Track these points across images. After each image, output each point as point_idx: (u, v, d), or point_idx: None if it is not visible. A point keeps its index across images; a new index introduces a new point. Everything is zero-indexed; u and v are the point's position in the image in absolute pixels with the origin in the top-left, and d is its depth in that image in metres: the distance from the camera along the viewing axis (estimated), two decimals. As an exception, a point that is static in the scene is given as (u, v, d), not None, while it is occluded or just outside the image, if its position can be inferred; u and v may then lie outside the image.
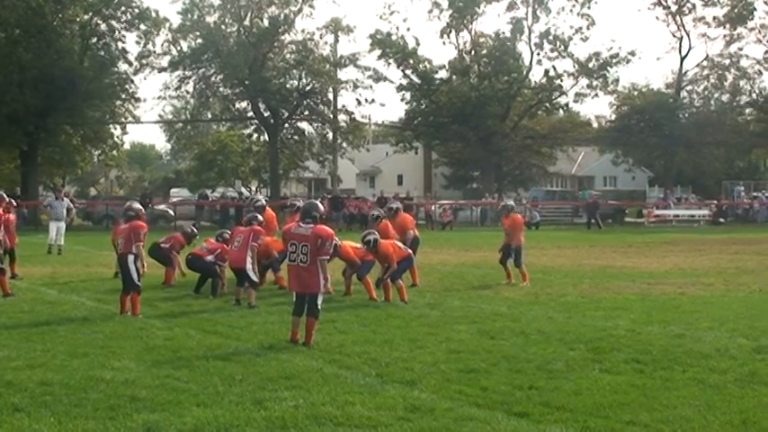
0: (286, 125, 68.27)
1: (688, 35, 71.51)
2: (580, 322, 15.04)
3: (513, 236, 22.07)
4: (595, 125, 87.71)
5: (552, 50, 69.67)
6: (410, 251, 18.81)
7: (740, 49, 71.87)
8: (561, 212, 68.54)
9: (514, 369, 11.11)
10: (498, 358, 11.77)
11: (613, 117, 79.16)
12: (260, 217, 19.31)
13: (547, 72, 70.52)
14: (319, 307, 12.89)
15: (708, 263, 27.92)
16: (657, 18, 74.16)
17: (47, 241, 31.81)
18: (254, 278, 17.43)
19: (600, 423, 8.76)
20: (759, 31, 70.00)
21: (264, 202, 22.83)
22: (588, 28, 68.88)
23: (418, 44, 70.33)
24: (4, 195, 21.73)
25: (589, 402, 9.45)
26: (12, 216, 23.12)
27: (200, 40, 64.44)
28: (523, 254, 22.13)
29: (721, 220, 60.67)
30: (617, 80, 72.28)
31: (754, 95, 74.50)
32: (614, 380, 10.52)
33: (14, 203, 25.38)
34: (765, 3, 69.25)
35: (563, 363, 11.49)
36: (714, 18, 70.05)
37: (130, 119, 69.53)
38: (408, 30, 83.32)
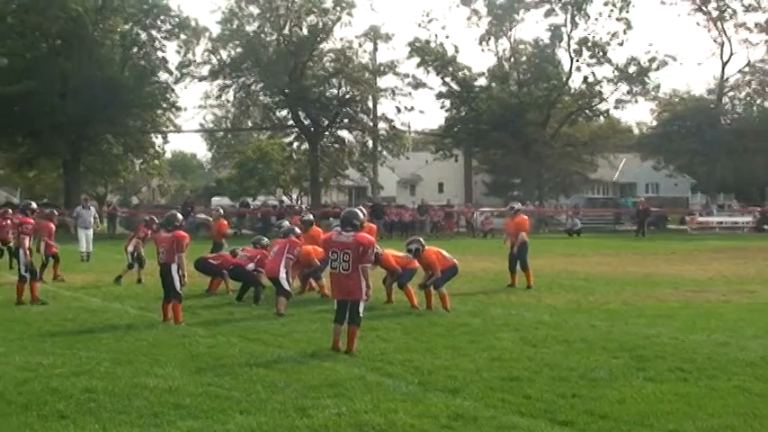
0: (326, 133, 68.44)
1: (729, 41, 71.15)
2: (623, 330, 14.95)
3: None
4: (636, 132, 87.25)
5: (591, 57, 69.25)
6: (455, 261, 18.69)
7: (782, 55, 71.29)
8: (603, 220, 68.18)
9: (557, 377, 11.06)
10: (541, 366, 11.73)
11: (654, 123, 78.74)
12: (297, 230, 19.47)
13: (586, 79, 70.19)
14: (361, 314, 12.88)
15: (752, 270, 27.67)
16: (698, 24, 73.95)
17: (78, 249, 32.30)
18: (287, 288, 17.50)
19: (644, 432, 8.72)
20: (801, 37, 69.41)
21: (312, 217, 23.08)
22: (625, 32, 68.40)
23: (457, 51, 70.33)
24: (35, 206, 21.99)
25: (633, 411, 9.39)
26: (52, 224, 23.83)
27: (239, 49, 64.71)
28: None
29: (765, 227, 60.03)
30: (658, 86, 71.83)
31: (796, 102, 73.96)
32: (658, 388, 10.45)
33: (55, 212, 25.90)
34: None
35: (606, 371, 11.42)
36: (756, 24, 69.60)
37: (171, 128, 70.07)
38: (447, 37, 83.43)
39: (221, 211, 31.30)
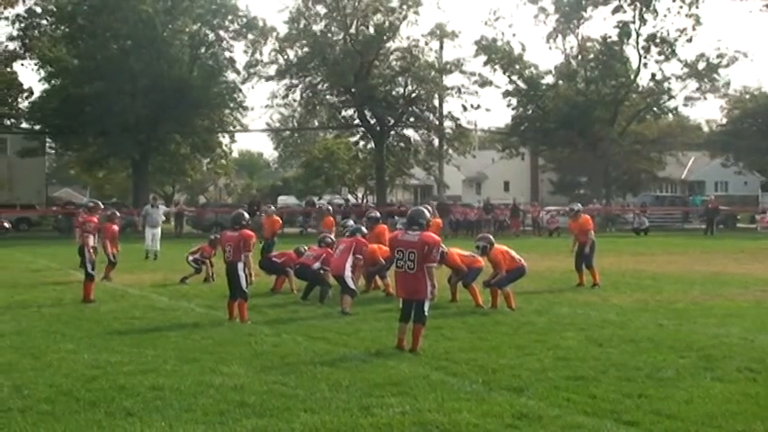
0: (392, 132, 68.46)
1: (802, 37, 70.00)
2: (691, 330, 14.78)
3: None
4: (706, 129, 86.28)
5: (660, 53, 68.46)
6: (523, 263, 18.60)
7: None
8: (671, 218, 67.57)
9: (624, 377, 10.95)
10: (607, 366, 11.62)
11: (725, 121, 77.80)
12: (364, 229, 19.50)
13: (654, 76, 69.47)
14: (426, 313, 12.86)
15: (823, 269, 27.26)
16: (770, 20, 72.73)
17: (143, 247, 32.70)
18: (353, 286, 17.53)
19: (712, 433, 8.61)
20: None
21: (378, 215, 23.05)
22: (694, 28, 67.49)
23: (524, 49, 69.96)
24: (100, 204, 22.23)
25: (701, 411, 9.27)
26: (115, 226, 24.17)
27: (306, 49, 64.94)
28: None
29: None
30: (728, 83, 70.85)
31: None
32: (727, 389, 10.30)
33: (117, 214, 26.17)
34: None
35: (673, 371, 11.28)
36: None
37: (238, 127, 70.67)
38: (514, 35, 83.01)
39: (273, 208, 31.46)
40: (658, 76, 69.21)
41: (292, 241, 29.57)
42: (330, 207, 31.28)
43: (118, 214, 26.27)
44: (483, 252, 18.01)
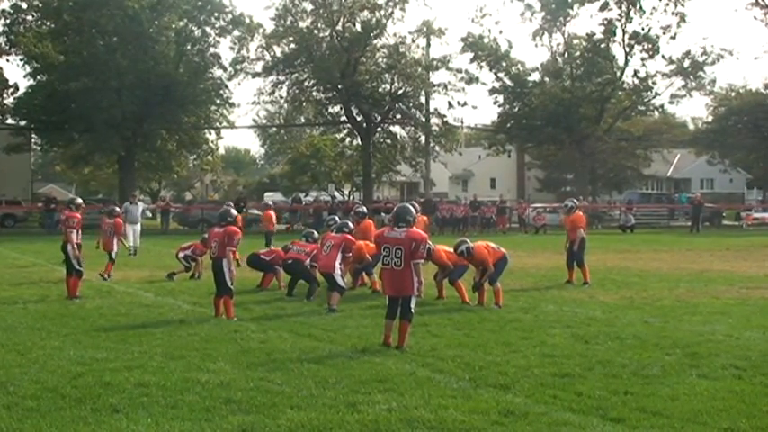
0: (378, 129, 68.27)
1: (788, 35, 70.16)
2: (676, 327, 14.82)
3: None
4: (692, 127, 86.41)
5: (642, 50, 68.35)
6: (504, 251, 18.60)
7: (840, 48, 70.23)
8: (657, 215, 67.71)
9: (609, 374, 10.98)
10: (593, 363, 11.65)
11: (710, 118, 77.94)
12: (350, 224, 19.47)
13: (636, 73, 69.43)
14: (413, 310, 12.87)
15: (808, 267, 27.34)
16: (755, 18, 72.83)
17: (126, 244, 32.61)
18: (342, 284, 17.52)
19: (697, 429, 8.61)
20: None
21: (365, 210, 23.05)
22: (679, 25, 67.44)
23: (511, 47, 69.92)
24: (80, 201, 22.08)
25: (686, 408, 9.30)
26: (120, 220, 24.40)
27: (293, 46, 64.71)
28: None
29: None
30: (714, 81, 70.95)
31: None
32: (712, 385, 10.33)
33: (118, 209, 26.22)
34: None
35: (659, 368, 11.32)
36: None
37: (225, 124, 70.43)
38: (501, 32, 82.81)
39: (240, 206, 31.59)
40: (643, 74, 69.28)
41: (281, 238, 29.52)
42: (271, 202, 31.54)
43: (118, 210, 26.38)
44: (468, 254, 17.94)
